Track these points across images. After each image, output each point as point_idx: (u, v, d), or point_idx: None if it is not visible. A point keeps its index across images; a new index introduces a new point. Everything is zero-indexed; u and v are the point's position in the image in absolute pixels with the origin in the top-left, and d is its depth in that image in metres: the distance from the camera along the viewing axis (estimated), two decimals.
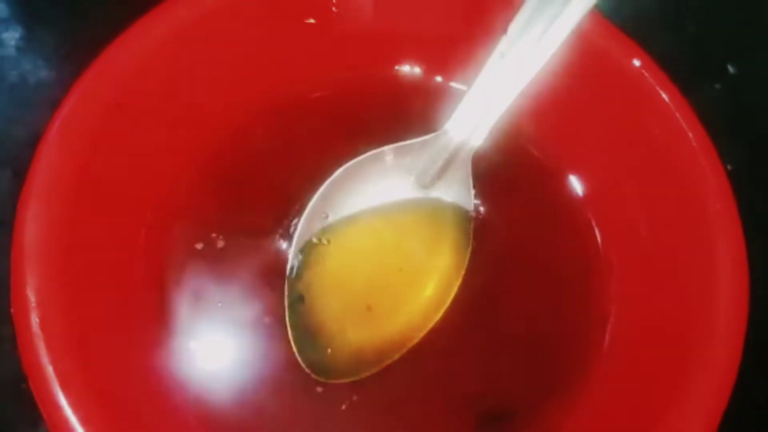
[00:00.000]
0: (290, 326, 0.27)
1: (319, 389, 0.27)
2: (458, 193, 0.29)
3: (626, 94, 0.28)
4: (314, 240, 0.28)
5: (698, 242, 0.25)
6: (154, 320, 0.27)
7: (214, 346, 0.27)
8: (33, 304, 0.22)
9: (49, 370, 0.22)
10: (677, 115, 0.26)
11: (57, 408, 0.21)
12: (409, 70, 0.33)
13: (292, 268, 0.28)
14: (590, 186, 0.31)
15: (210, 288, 0.28)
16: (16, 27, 0.36)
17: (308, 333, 0.27)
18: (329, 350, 0.27)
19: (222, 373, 0.27)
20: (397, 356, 0.27)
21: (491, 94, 0.27)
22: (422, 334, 0.27)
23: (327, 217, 0.28)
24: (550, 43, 0.25)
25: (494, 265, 0.29)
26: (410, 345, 0.27)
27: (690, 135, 0.26)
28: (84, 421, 0.21)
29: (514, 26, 0.26)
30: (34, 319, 0.22)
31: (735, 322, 0.24)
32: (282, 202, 0.30)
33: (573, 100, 0.28)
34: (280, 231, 0.29)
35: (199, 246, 0.29)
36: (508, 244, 0.30)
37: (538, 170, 0.31)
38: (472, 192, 0.29)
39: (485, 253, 0.29)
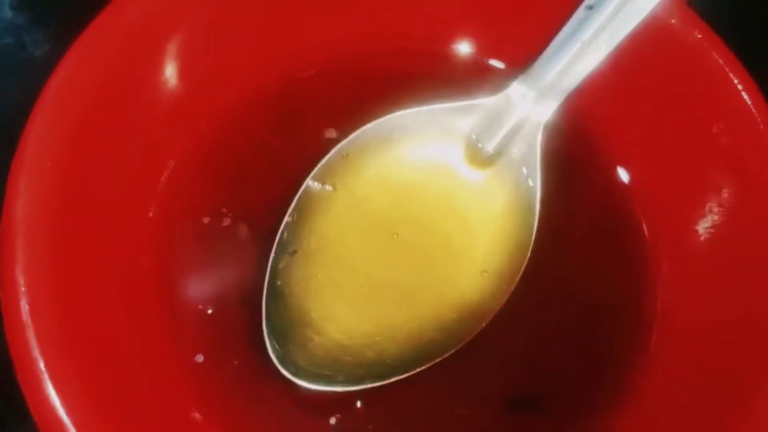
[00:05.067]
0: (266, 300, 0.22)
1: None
2: (520, 175, 0.24)
3: (687, 73, 0.25)
4: (325, 187, 0.23)
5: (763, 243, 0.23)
6: (155, 303, 0.25)
7: (220, 330, 0.25)
8: (23, 289, 0.20)
9: (40, 364, 0.20)
10: (747, 100, 0.23)
11: (47, 404, 0.19)
12: (409, 44, 0.29)
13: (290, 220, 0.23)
14: (638, 176, 0.28)
15: (215, 265, 0.26)
16: None
17: (294, 310, 0.22)
18: (314, 340, 0.22)
19: (229, 360, 0.25)
20: (409, 371, 0.21)
21: (571, 53, 0.22)
22: (457, 344, 0.22)
23: (348, 159, 0.23)
24: None
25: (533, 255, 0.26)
26: (433, 360, 0.22)
27: (761, 126, 0.23)
28: (76, 420, 0.19)
29: None
30: (24, 306, 0.20)
31: None
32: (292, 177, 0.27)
33: (623, 77, 0.25)
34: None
35: (206, 220, 0.26)
36: (549, 235, 0.27)
37: (584, 155, 0.28)
38: (539, 179, 0.24)
39: None
